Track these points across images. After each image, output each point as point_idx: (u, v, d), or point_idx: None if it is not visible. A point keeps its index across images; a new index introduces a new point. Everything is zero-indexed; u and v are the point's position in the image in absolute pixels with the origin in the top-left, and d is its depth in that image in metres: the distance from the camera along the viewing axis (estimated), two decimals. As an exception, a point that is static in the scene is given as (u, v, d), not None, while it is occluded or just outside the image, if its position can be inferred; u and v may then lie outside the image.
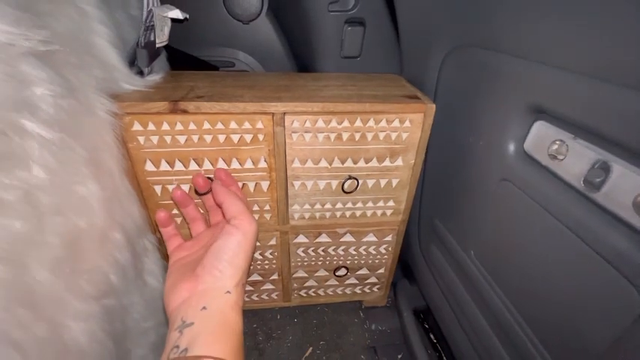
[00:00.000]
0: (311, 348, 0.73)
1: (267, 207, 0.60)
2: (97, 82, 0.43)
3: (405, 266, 0.86)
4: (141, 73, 0.55)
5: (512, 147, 0.44)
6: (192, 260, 0.47)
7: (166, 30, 0.56)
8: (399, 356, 0.73)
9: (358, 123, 0.53)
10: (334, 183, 0.59)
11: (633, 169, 0.30)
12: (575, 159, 0.36)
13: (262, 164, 0.55)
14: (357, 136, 0.54)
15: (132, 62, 0.54)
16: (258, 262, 0.68)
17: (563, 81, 0.36)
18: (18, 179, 0.27)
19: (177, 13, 0.52)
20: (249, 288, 0.73)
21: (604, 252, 0.32)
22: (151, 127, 0.49)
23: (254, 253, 0.49)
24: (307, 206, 0.61)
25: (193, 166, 0.53)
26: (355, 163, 0.57)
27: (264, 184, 0.57)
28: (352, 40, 0.64)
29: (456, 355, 0.64)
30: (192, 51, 0.78)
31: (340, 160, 0.56)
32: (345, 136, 0.54)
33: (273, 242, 0.66)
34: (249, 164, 0.54)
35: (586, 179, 0.34)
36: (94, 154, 0.40)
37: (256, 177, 0.56)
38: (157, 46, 0.54)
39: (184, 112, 0.48)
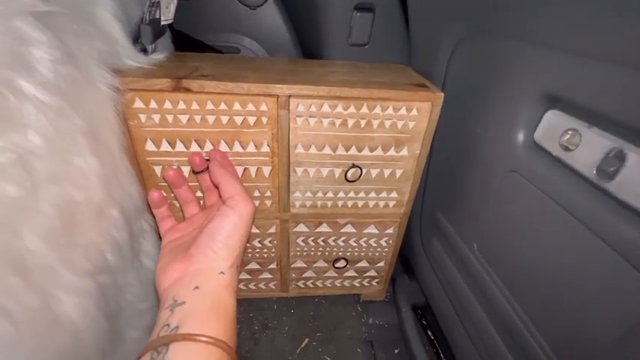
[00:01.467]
0: (307, 339, 0.73)
1: (268, 193, 0.59)
2: (98, 54, 0.42)
3: (404, 261, 0.85)
4: (144, 50, 0.54)
5: (521, 137, 0.43)
6: (185, 242, 0.46)
7: (172, 7, 0.55)
8: (396, 351, 0.73)
9: (364, 109, 0.52)
10: (337, 171, 0.58)
11: (650, 157, 0.29)
12: (588, 148, 0.35)
13: (265, 148, 0.54)
14: (363, 123, 0.53)
15: (135, 39, 0.53)
16: (257, 250, 0.68)
17: (578, 67, 0.35)
18: (12, 142, 0.26)
19: (183, -10, 0.51)
20: (246, 277, 0.72)
21: (616, 244, 0.31)
22: (153, 105, 0.48)
23: (249, 235, 0.48)
24: (309, 194, 0.60)
25: (194, 147, 0.52)
26: (359, 151, 0.56)
27: (266, 170, 0.56)
28: (361, 27, 0.63)
29: (455, 352, 0.63)
30: (197, 35, 0.77)
31: (344, 148, 0.55)
32: (351, 122, 0.52)
33: (272, 230, 0.65)
34: (251, 148, 0.53)
35: (599, 168, 0.33)
36: (93, 127, 0.39)
37: (258, 161, 0.55)
38: (162, 23, 0.53)
39: (187, 90, 0.47)
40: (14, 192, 0.27)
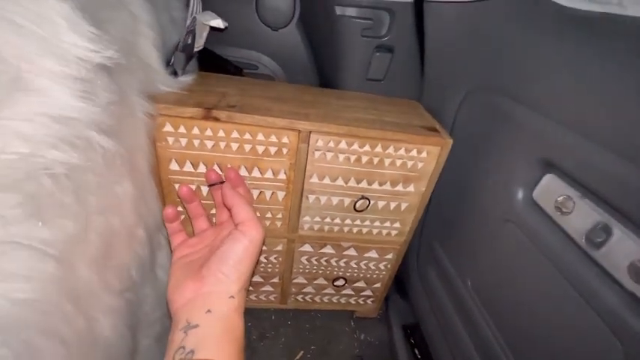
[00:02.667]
0: (302, 352, 0.76)
1: (280, 215, 0.63)
2: (139, 84, 0.44)
3: (398, 282, 0.90)
4: (174, 73, 0.57)
5: (520, 193, 0.48)
6: (196, 259, 0.47)
7: (205, 35, 0.57)
8: (385, 368, 0.77)
9: (378, 149, 0.55)
10: (347, 200, 0.61)
11: (631, 236, 0.34)
12: (579, 216, 0.39)
13: (282, 176, 0.57)
14: (376, 160, 0.56)
15: (167, 62, 0.55)
16: (262, 264, 0.71)
17: (576, 143, 0.39)
18: (76, 184, 0.29)
19: (218, 23, 0.54)
20: (249, 288, 0.75)
21: (596, 306, 0.36)
22: (182, 129, 0.51)
23: (258, 259, 0.50)
24: (317, 219, 0.64)
25: (216, 169, 0.55)
26: (370, 184, 0.59)
27: (280, 194, 0.60)
28: (379, 65, 0.66)
29: (441, 375, 0.67)
30: (217, 49, 0.80)
31: (356, 181, 0.59)
32: (365, 159, 0.56)
33: (279, 248, 0.68)
34: (269, 174, 0.57)
35: (588, 237, 0.38)
36: (131, 155, 0.42)
37: (274, 186, 0.58)
38: (195, 50, 0.56)
39: (216, 119, 0.50)
40: (73, 227, 0.30)
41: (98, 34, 0.29)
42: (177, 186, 0.57)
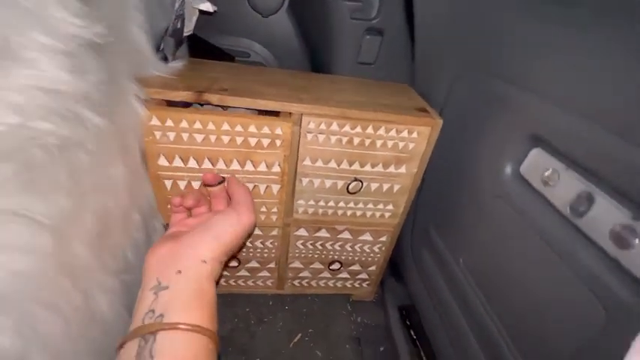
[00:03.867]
0: (300, 334, 0.78)
1: (275, 209, 0.63)
2: (129, 67, 0.44)
3: (394, 265, 0.91)
4: (165, 59, 0.57)
5: (509, 169, 0.49)
6: (184, 231, 0.47)
7: (194, 19, 0.57)
8: (382, 349, 0.79)
9: (370, 130, 0.56)
10: (340, 183, 0.62)
11: (613, 203, 0.35)
12: (564, 187, 0.40)
13: (276, 169, 0.57)
14: (368, 142, 0.57)
15: (157, 48, 0.55)
16: (258, 250, 0.72)
17: (562, 117, 0.40)
18: (69, 161, 0.30)
19: (207, 6, 0.54)
20: (245, 274, 0.76)
21: (579, 271, 0.37)
22: (169, 123, 0.49)
23: (242, 244, 0.50)
24: (312, 202, 0.64)
25: (207, 164, 0.54)
26: (362, 166, 0.60)
27: (275, 188, 0.60)
28: (369, 48, 0.67)
29: (436, 351, 0.69)
30: (209, 37, 0.80)
31: (348, 163, 0.59)
32: (356, 140, 0.57)
33: (274, 233, 0.69)
34: (262, 167, 0.56)
35: (572, 206, 0.39)
36: (123, 138, 0.42)
37: (268, 180, 0.58)
38: (184, 35, 0.56)
39: (208, 102, 0.50)
40: (67, 204, 0.30)
41: (87, 11, 0.29)
42: (167, 182, 0.56)
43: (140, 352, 0.29)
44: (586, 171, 0.38)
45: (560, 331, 0.40)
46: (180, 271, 0.37)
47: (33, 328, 0.26)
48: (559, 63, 0.41)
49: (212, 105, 0.51)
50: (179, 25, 0.56)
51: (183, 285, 0.36)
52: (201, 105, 0.56)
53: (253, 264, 0.75)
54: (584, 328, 0.37)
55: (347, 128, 0.55)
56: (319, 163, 0.59)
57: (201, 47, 0.77)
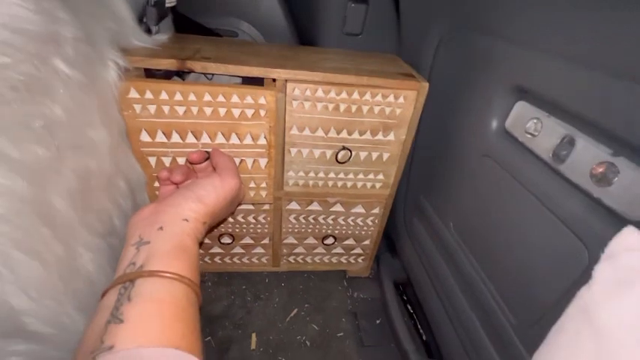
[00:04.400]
0: (296, 309, 0.78)
1: (264, 184, 0.62)
2: (109, 33, 0.44)
3: (388, 241, 0.91)
4: (149, 31, 0.56)
5: (494, 125, 0.48)
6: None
7: (176, -10, 0.57)
8: (378, 321, 0.79)
9: (355, 95, 0.56)
10: (329, 152, 0.62)
11: (593, 143, 0.34)
12: (547, 135, 0.40)
13: (262, 141, 0.57)
14: (354, 108, 0.57)
15: (140, 20, 0.55)
16: (251, 225, 0.72)
17: (545, 63, 0.40)
18: (41, 111, 0.30)
19: (187, -26, 0.54)
20: (240, 251, 0.77)
21: (564, 217, 0.37)
22: (149, 95, 0.49)
23: (230, 211, 0.50)
24: (302, 173, 0.64)
25: (191, 138, 0.54)
26: (350, 134, 0.60)
27: (263, 162, 0.59)
28: (355, 17, 0.66)
29: (431, 321, 0.69)
30: (196, 17, 0.79)
31: (336, 131, 0.59)
32: (342, 107, 0.57)
33: (266, 207, 0.69)
34: (248, 140, 0.56)
35: (554, 153, 0.38)
36: (104, 102, 0.43)
37: (255, 153, 0.58)
38: (166, 6, 0.56)
39: (191, 71, 0.50)
40: (43, 154, 0.30)
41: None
42: (151, 159, 0.55)
43: (119, 298, 0.29)
44: (567, 114, 0.37)
45: (548, 280, 0.40)
46: (161, 228, 0.37)
47: (10, 268, 0.26)
48: (541, 11, 0.40)
49: (195, 72, 0.51)
50: (161, -3, 0.55)
51: (164, 240, 0.36)
52: (183, 80, 0.56)
53: (247, 240, 0.75)
54: (569, 269, 0.36)
55: (332, 94, 0.55)
56: (307, 132, 0.59)
57: (187, 26, 0.77)
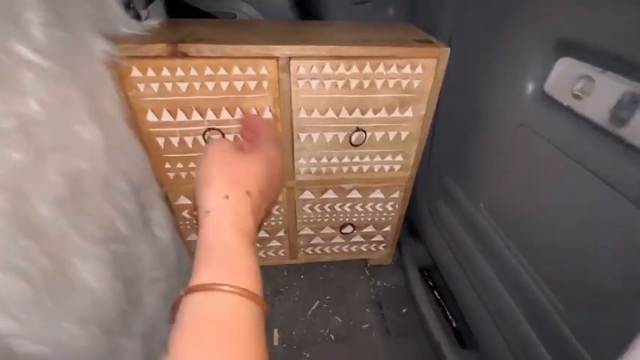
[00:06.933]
0: (318, 302, 0.75)
1: None
2: (89, 18, 0.40)
3: (410, 226, 0.86)
4: (138, 17, 0.52)
5: (531, 89, 0.42)
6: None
7: (162, -31, 0.52)
8: (404, 310, 0.75)
9: (367, 69, 0.50)
10: (341, 135, 0.57)
11: (667, 99, 0.28)
12: (601, 94, 0.34)
13: (267, 114, 0.53)
14: (366, 83, 0.51)
15: (127, 5, 0.51)
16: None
17: (592, 7, 0.33)
18: (12, 107, 0.26)
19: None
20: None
21: (626, 190, 0.31)
22: (151, 73, 0.47)
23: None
24: (313, 160, 0.60)
25: (196, 116, 0.52)
26: (363, 113, 0.54)
27: None
28: (362, -18, 0.60)
29: (463, 310, 0.65)
30: (190, 0, 0.74)
31: (348, 111, 0.54)
32: (354, 83, 0.51)
33: (279, 198, 0.65)
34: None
35: (612, 115, 0.32)
36: (92, 97, 0.39)
37: None
38: (154, -14, 0.51)
39: (184, 55, 0.46)
40: (19, 158, 0.27)
41: None
42: (159, 140, 0.54)
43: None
44: (629, 67, 0.31)
45: (605, 261, 0.34)
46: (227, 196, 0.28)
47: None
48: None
49: (190, 57, 0.47)
50: (148, -23, 0.51)
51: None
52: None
53: (262, 234, 0.72)
54: (633, 253, 0.31)
55: (341, 69, 0.50)
56: (316, 114, 0.54)
57: (181, 10, 0.72)
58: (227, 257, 0.27)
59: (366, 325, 0.72)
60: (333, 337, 0.69)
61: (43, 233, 0.29)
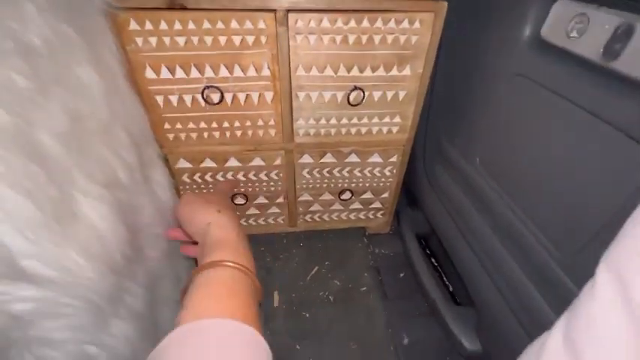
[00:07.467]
0: (317, 267, 0.76)
1: (272, 122, 0.59)
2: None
3: (408, 194, 0.87)
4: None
5: (527, 35, 0.42)
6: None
7: None
8: (401, 275, 0.76)
9: (365, 23, 0.50)
10: (340, 95, 0.57)
11: (659, 25, 0.29)
12: (596, 30, 0.34)
13: (265, 72, 0.53)
14: (364, 38, 0.51)
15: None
16: (264, 183, 0.69)
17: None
18: (12, 30, 0.26)
19: None
20: (255, 212, 0.75)
21: (619, 122, 0.32)
22: (149, 26, 0.47)
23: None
24: (312, 121, 0.60)
25: (195, 73, 0.52)
26: (361, 71, 0.55)
27: (268, 95, 0.56)
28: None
29: (459, 268, 0.66)
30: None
31: (346, 68, 0.54)
32: (352, 39, 0.51)
33: (278, 162, 0.66)
34: (251, 72, 0.53)
35: (606, 49, 0.33)
36: (91, 42, 0.39)
37: (260, 87, 0.55)
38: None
39: (183, 6, 0.46)
40: (23, 84, 0.27)
41: None
42: (158, 98, 0.54)
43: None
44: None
45: (600, 200, 0.35)
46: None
47: (-2, 204, 0.23)
48: None
49: (188, 10, 0.47)
50: None
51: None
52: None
53: (261, 200, 0.73)
54: (628, 187, 0.32)
55: (340, 24, 0.50)
56: (314, 72, 0.54)
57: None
58: (231, 245, 0.39)
59: (364, 288, 0.73)
60: (331, 299, 0.71)
61: (49, 164, 0.29)
